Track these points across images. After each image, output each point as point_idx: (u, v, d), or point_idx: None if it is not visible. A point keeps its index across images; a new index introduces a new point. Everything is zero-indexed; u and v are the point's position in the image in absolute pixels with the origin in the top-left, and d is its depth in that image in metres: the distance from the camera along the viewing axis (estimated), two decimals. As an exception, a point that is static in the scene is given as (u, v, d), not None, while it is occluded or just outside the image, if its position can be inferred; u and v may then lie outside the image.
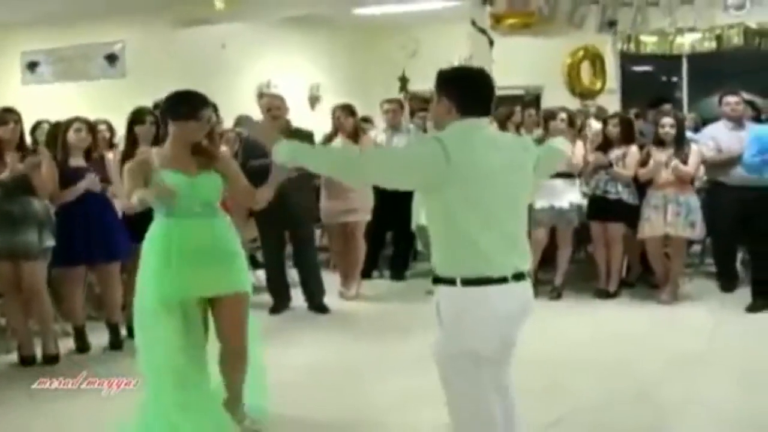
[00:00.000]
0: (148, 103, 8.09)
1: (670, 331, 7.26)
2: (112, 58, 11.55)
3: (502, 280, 3.54)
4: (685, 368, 6.11)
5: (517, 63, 11.42)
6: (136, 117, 7.07)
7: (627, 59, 12.84)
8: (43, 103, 10.37)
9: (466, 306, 3.56)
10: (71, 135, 6.76)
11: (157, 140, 7.08)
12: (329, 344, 7.05)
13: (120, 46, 11.49)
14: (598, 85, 12.39)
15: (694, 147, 8.16)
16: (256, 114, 10.74)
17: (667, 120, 8.11)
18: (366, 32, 13.50)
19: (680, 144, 8.06)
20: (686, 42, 11.67)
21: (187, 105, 4.65)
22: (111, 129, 8.74)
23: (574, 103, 11.22)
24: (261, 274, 8.64)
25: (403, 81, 10.74)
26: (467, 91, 3.68)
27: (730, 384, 5.72)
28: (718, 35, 11.28)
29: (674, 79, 13.57)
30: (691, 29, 11.07)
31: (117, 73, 11.52)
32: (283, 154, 3.69)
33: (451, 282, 3.57)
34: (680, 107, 12.18)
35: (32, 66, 12.01)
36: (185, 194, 4.55)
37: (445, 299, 3.63)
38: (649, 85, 14.24)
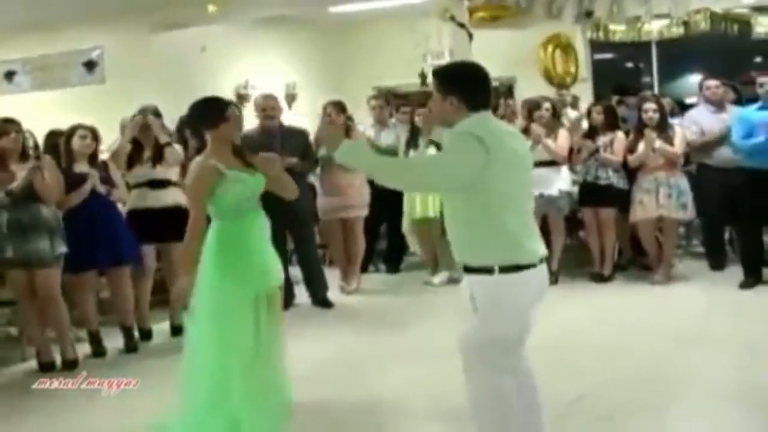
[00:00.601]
0: (130, 108, 8.13)
1: (667, 310, 7.46)
2: (90, 65, 11.46)
3: (533, 265, 3.75)
4: (686, 347, 6.27)
5: (488, 55, 11.49)
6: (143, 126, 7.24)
7: (597, 47, 13.01)
8: (21, 112, 10.27)
9: (504, 292, 3.73)
10: (76, 141, 6.84)
11: (156, 142, 7.26)
12: (336, 337, 7.20)
13: (98, 52, 11.40)
14: (572, 72, 12.53)
15: (677, 129, 8.42)
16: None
17: (650, 105, 8.36)
18: (341, 30, 13.55)
19: (664, 127, 8.29)
20: (654, 29, 11.83)
21: (212, 110, 4.88)
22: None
23: (548, 92, 11.32)
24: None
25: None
26: (472, 86, 3.84)
27: (729, 360, 5.89)
28: (685, 21, 11.44)
29: (641, 65, 13.80)
30: (659, 16, 11.21)
31: (96, 80, 11.41)
32: (345, 155, 3.78)
33: (488, 271, 3.72)
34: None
35: (9, 75, 11.89)
36: (252, 193, 4.85)
37: (482, 288, 3.78)
38: (620, 72, 14.48)
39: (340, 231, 8.89)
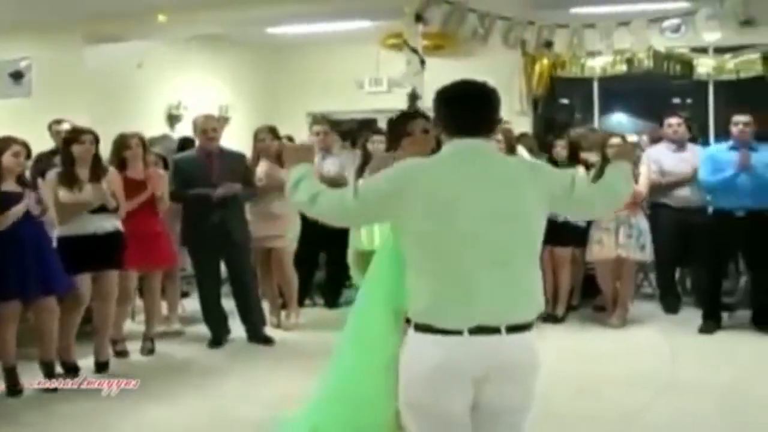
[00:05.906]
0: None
1: (629, 355, 7.13)
2: (17, 76, 10.78)
3: (456, 332, 3.05)
4: (661, 393, 5.97)
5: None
6: (73, 137, 6.66)
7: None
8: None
9: (408, 353, 3.18)
10: (8, 158, 6.13)
11: (96, 161, 6.68)
12: (285, 377, 6.54)
13: (26, 63, 10.73)
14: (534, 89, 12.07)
15: (643, 167, 8.14)
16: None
17: (615, 140, 7.89)
18: (277, 52, 13.04)
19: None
20: (597, 65, 11.52)
21: (396, 126, 4.93)
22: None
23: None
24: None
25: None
26: (443, 108, 3.27)
27: (710, 407, 5.66)
28: (629, 59, 11.15)
29: (575, 101, 13.59)
30: (602, 53, 10.97)
31: (23, 92, 10.73)
32: (298, 175, 3.33)
33: (409, 322, 3.21)
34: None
35: (-71, 83, 11.09)
36: None
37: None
38: (551, 108, 14.25)
39: (266, 261, 8.32)
